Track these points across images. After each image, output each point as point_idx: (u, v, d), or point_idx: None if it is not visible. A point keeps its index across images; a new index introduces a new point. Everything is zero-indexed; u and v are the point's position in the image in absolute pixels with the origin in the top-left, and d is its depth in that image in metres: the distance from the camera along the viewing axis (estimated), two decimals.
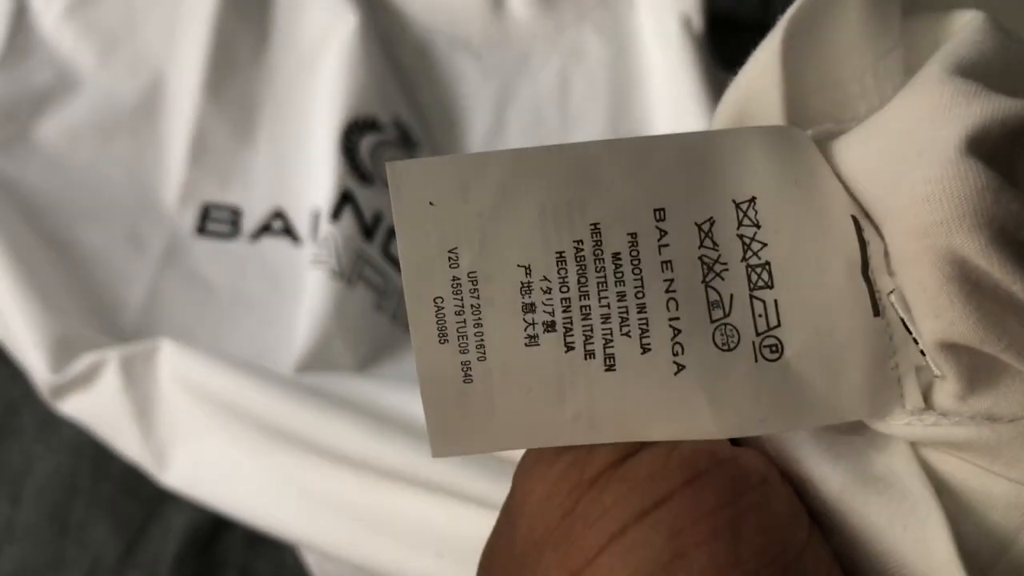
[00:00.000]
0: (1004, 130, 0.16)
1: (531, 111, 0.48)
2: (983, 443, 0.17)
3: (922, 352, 0.18)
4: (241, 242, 0.44)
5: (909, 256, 0.16)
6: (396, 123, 0.45)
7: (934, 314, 0.16)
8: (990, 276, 0.15)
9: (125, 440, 0.37)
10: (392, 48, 0.48)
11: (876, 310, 0.18)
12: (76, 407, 0.38)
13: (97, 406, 0.37)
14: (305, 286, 0.41)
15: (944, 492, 0.18)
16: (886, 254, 0.18)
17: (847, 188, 0.18)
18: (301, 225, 0.44)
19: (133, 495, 0.40)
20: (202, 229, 0.44)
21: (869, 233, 0.18)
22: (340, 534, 0.32)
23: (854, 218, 0.18)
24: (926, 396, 0.18)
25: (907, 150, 0.16)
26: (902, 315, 0.18)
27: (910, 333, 0.18)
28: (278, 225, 0.44)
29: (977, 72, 0.17)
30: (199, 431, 0.36)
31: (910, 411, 0.18)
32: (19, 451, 0.42)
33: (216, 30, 0.46)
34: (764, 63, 0.20)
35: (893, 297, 0.18)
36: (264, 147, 0.46)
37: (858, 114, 0.20)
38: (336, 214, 0.42)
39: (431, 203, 0.18)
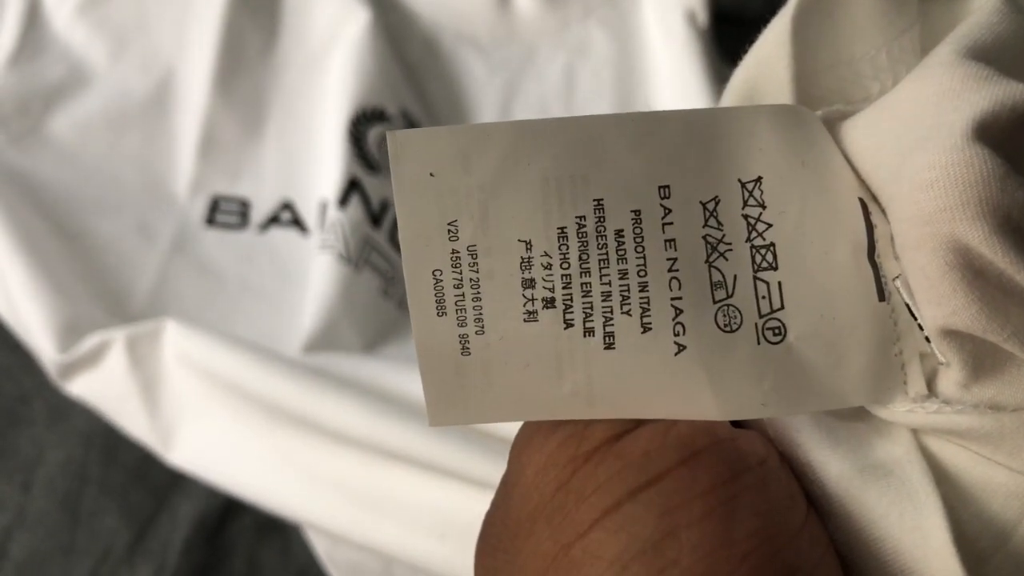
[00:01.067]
0: (1013, 116, 0.15)
1: (537, 106, 0.49)
2: (985, 432, 0.17)
3: (927, 338, 0.17)
4: (250, 233, 0.44)
5: (912, 242, 0.16)
6: (404, 114, 0.46)
7: (936, 302, 0.16)
8: (994, 265, 0.15)
9: (132, 420, 0.37)
10: (399, 44, 0.49)
11: (881, 295, 0.18)
12: (84, 388, 0.38)
13: (104, 386, 0.38)
14: (313, 274, 0.41)
15: (944, 480, 0.18)
16: (892, 238, 0.18)
17: (855, 170, 0.18)
18: (309, 216, 0.44)
19: (143, 484, 0.41)
20: (211, 220, 0.45)
21: (876, 216, 0.18)
22: (343, 514, 0.33)
23: (861, 200, 0.18)
24: (930, 383, 0.18)
25: (914, 134, 0.16)
26: (907, 300, 0.17)
27: (915, 319, 0.17)
28: (286, 216, 0.45)
29: (990, 55, 0.16)
30: (204, 411, 0.36)
31: (913, 398, 0.18)
32: (31, 440, 0.42)
33: (226, 27, 0.47)
34: (774, 41, 0.20)
35: (899, 282, 0.17)
36: (273, 141, 0.47)
37: (870, 95, 0.20)
38: (343, 200, 0.42)
39: (431, 174, 0.17)
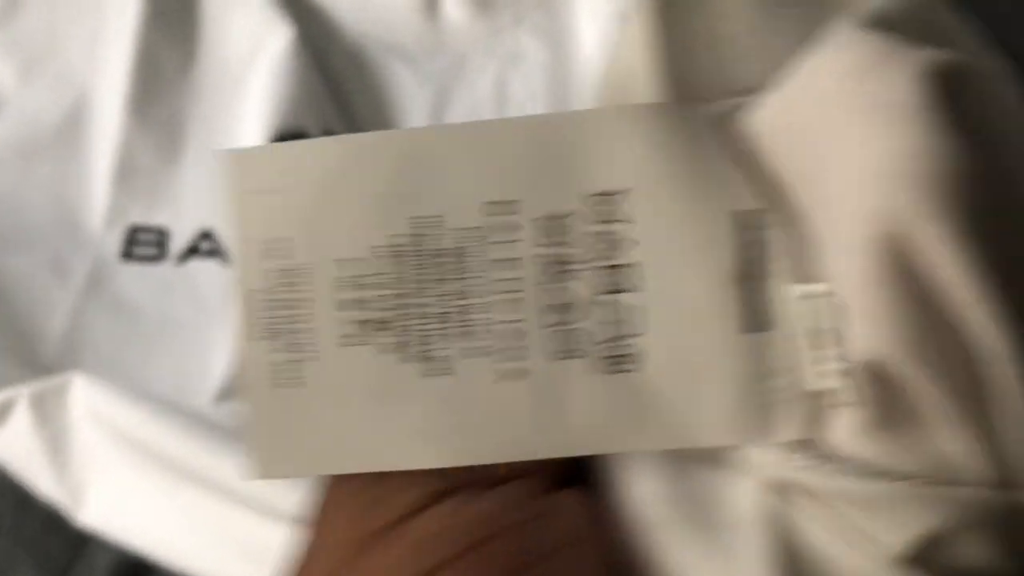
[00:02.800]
0: (955, 76, 0.14)
1: (469, 117, 0.47)
2: (861, 497, 0.15)
3: (835, 371, 0.16)
4: (168, 265, 0.43)
5: (853, 245, 0.14)
6: (327, 133, 0.44)
7: (871, 316, 0.15)
8: (943, 270, 0.14)
9: (40, 478, 0.36)
10: (323, 57, 0.47)
11: (755, 326, 0.17)
12: None
13: (11, 444, 0.36)
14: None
15: (789, 550, 0.16)
16: (801, 252, 0.16)
17: (754, 175, 0.16)
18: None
19: (57, 533, 0.39)
20: (128, 254, 0.43)
21: (775, 231, 0.16)
22: None
23: (749, 213, 0.16)
24: (817, 427, 0.16)
25: (842, 120, 0.14)
26: (818, 323, 0.16)
27: (819, 349, 0.16)
28: (206, 246, 0.43)
29: (896, 28, 0.15)
30: (112, 469, 0.35)
31: (783, 445, 0.16)
32: None
33: (140, 47, 0.45)
34: (636, 32, 0.18)
35: (804, 303, 0.16)
36: (192, 166, 0.45)
37: (751, 77, 0.17)
38: None
39: (259, 192, 0.17)
